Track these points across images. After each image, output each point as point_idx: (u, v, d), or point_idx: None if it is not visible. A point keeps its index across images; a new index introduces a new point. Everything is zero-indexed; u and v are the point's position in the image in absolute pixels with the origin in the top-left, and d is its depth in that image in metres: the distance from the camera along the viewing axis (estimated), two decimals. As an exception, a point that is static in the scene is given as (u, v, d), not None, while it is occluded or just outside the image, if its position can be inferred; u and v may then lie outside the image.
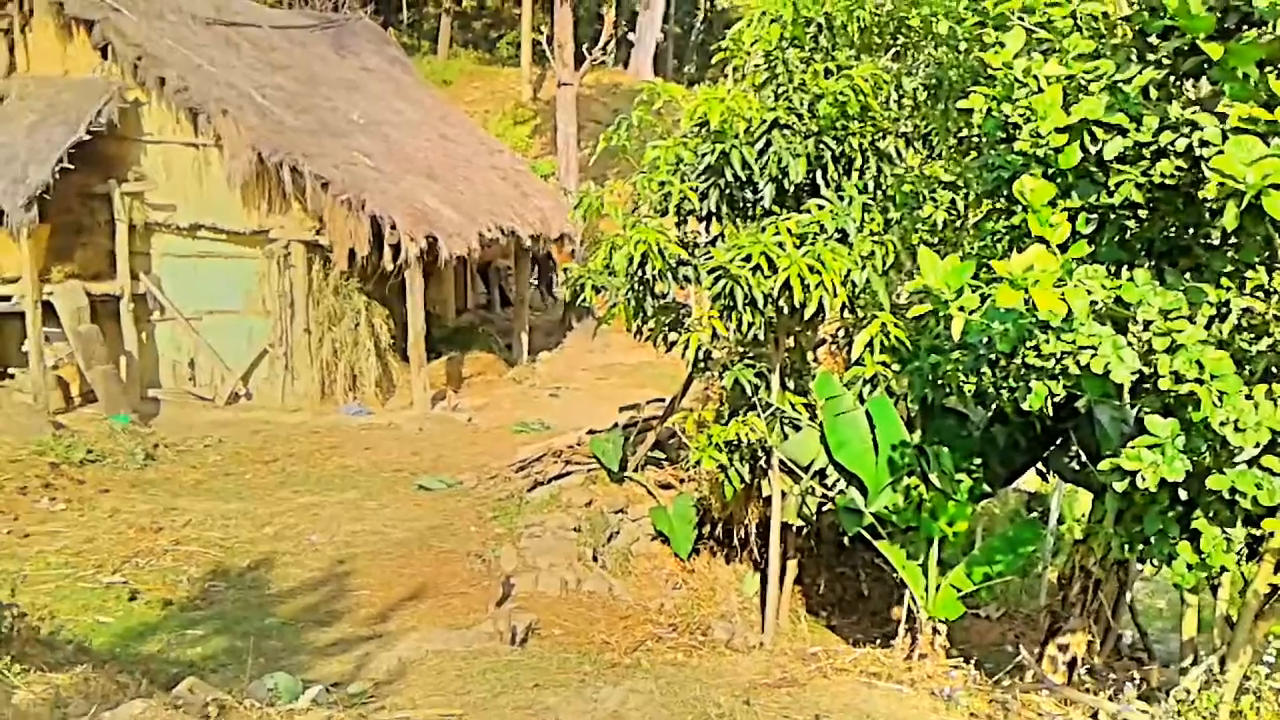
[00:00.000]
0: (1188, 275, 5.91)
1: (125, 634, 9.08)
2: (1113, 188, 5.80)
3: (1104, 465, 5.42)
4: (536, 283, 24.51)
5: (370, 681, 7.46)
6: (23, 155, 15.77)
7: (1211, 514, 5.98)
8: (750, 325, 8.58)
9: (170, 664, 8.07)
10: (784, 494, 9.55)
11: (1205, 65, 5.28)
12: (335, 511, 12.58)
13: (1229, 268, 5.73)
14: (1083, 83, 5.74)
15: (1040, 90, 5.76)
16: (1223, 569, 5.83)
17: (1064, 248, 5.28)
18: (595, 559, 10.92)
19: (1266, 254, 5.53)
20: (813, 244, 8.33)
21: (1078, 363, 5.32)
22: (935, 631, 8.29)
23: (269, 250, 17.32)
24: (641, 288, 9.38)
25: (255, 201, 17.13)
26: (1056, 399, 5.89)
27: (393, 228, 16.47)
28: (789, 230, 8.44)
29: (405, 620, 9.55)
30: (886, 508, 8.34)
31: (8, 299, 15.99)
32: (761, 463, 9.57)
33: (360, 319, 17.68)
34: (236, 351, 17.76)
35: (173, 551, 11.05)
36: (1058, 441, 8.06)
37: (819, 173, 8.92)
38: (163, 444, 14.99)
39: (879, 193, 8.91)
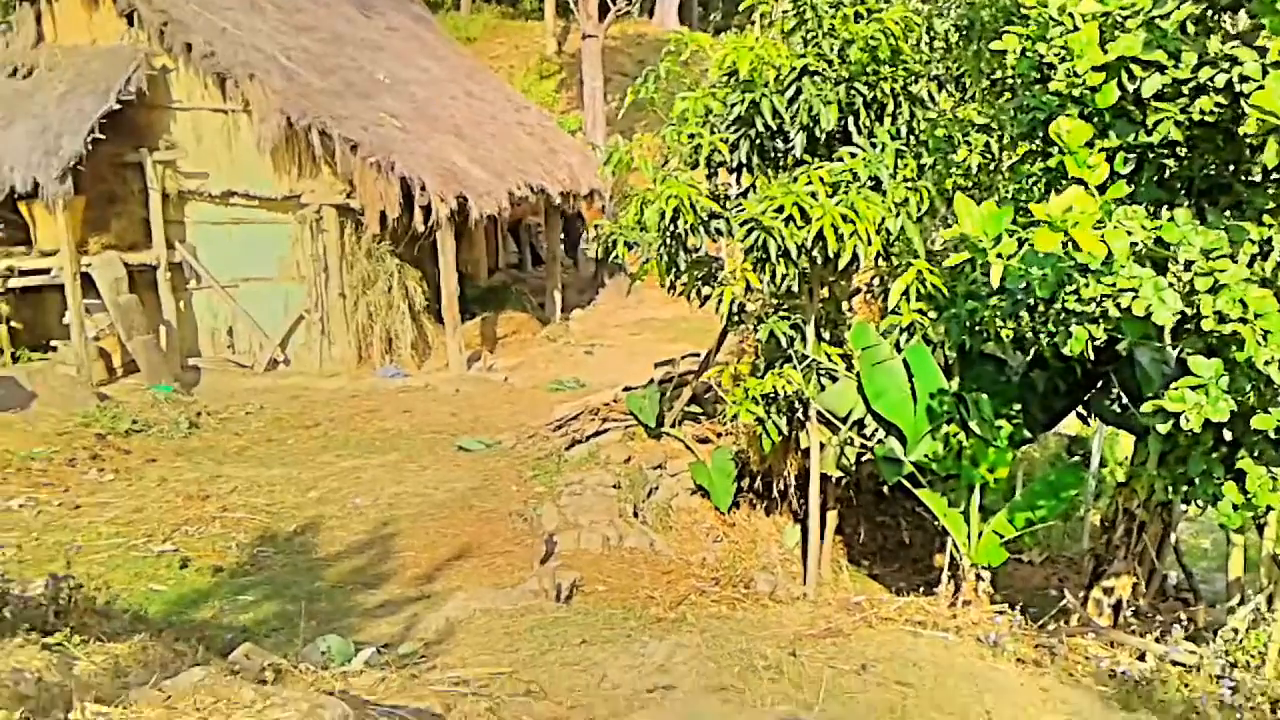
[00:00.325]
0: (1228, 213, 5.85)
1: (179, 601, 9.30)
2: (1151, 126, 5.74)
3: (1146, 407, 5.41)
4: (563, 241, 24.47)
5: (420, 642, 7.60)
6: (55, 126, 15.93)
7: (1257, 453, 5.97)
8: (784, 277, 8.56)
9: (224, 629, 8.25)
10: (822, 445, 9.57)
11: (1245, -2, 5.19)
12: (377, 474, 12.76)
13: (1271, 204, 5.66)
14: (1119, 19, 5.65)
15: (1076, 28, 5.69)
16: (1269, 508, 5.83)
17: (1102, 189, 5.24)
18: (636, 515, 11.02)
19: (1310, 189, 5.46)
20: (845, 193, 8.29)
21: (1118, 305, 5.30)
22: (979, 578, 8.32)
23: (301, 215, 17.44)
24: (674, 242, 9.38)
25: (285, 166, 17.24)
26: (1097, 342, 5.87)
27: (423, 189, 16.53)
28: (821, 179, 8.39)
29: (451, 580, 9.69)
30: (926, 456, 8.36)
31: (47, 271, 16.22)
32: (799, 415, 9.59)
33: (394, 281, 17.79)
34: (273, 318, 17.97)
35: (221, 518, 11.27)
36: (1098, 385, 8.04)
37: (850, 120, 8.85)
38: (205, 412, 15.23)
39: (912, 138, 8.84)
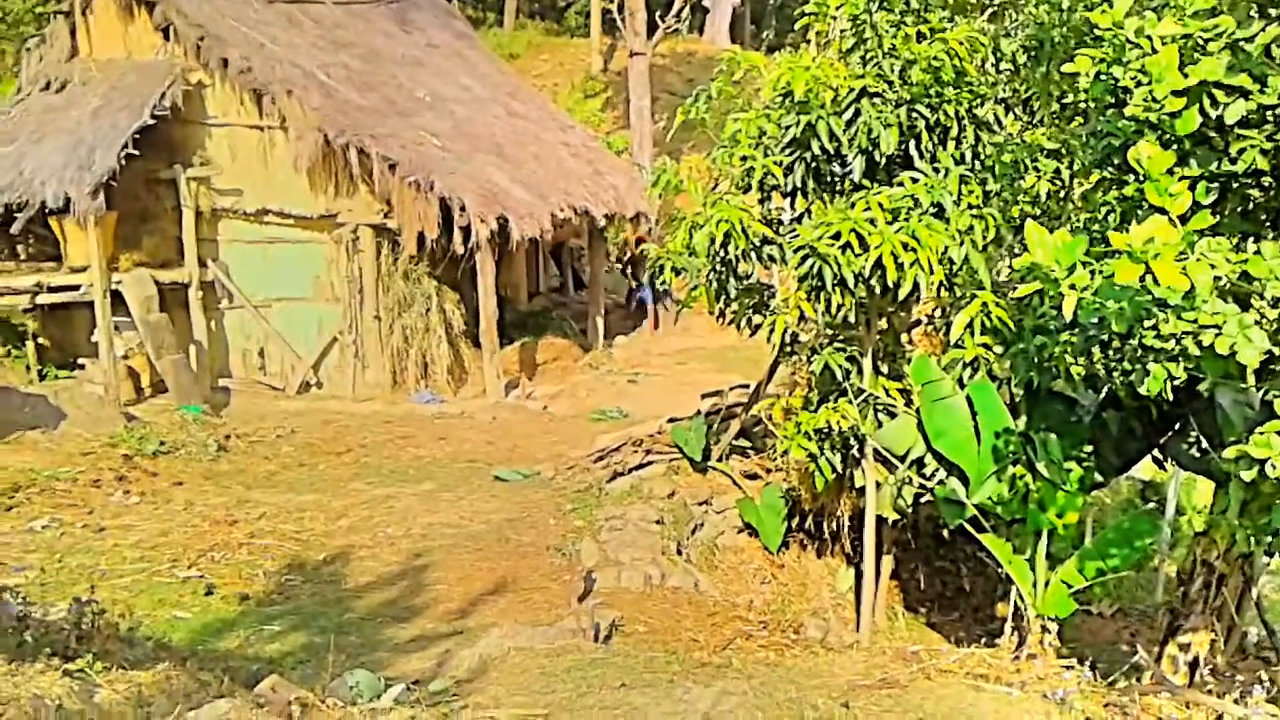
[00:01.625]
0: (1320, 247, 5.73)
1: (203, 630, 9.38)
2: (1235, 154, 5.66)
3: (1229, 453, 5.30)
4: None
5: (451, 679, 7.60)
6: (88, 141, 16.28)
7: (1348, 505, 5.82)
8: (840, 307, 8.52)
9: (249, 660, 8.32)
10: (878, 484, 9.49)
11: (1337, 20, 5.12)
12: (410, 503, 12.82)
13: (1366, 238, 5.55)
14: (1200, 42, 5.59)
15: (1154, 51, 5.63)
16: (1360, 564, 5.68)
17: (1184, 219, 5.17)
18: (679, 553, 10.97)
19: None
20: (906, 219, 8.24)
21: (1199, 343, 5.21)
22: (1044, 630, 8.18)
23: (337, 235, 17.67)
24: (724, 268, 9.38)
25: (322, 185, 17.49)
26: (1176, 382, 5.77)
27: (462, 209, 16.69)
28: (880, 205, 8.35)
29: (485, 616, 9.70)
30: (990, 499, 8.27)
31: (76, 288, 16.53)
32: (854, 451, 9.52)
33: (431, 304, 17.96)
34: (306, 339, 18.18)
35: (248, 545, 11.37)
36: (1176, 427, 7.91)
37: (912, 143, 8.82)
38: (235, 435, 15.41)
39: (977, 163, 8.78)
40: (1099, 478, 8.22)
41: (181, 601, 10.01)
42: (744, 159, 9.22)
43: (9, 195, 16.17)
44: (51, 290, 16.58)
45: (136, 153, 16.17)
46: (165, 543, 11.39)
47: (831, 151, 8.87)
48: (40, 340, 17.02)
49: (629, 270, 23.92)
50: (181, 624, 9.49)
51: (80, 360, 17.14)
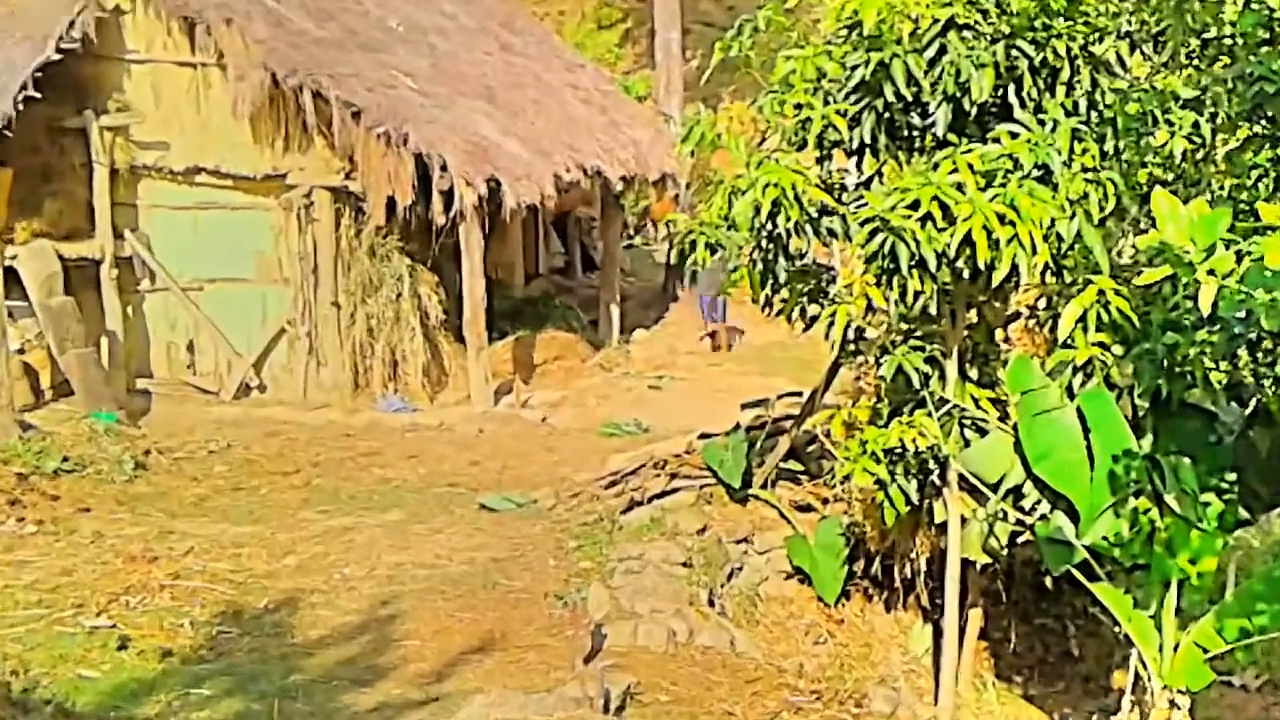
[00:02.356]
0: None
1: (115, 693, 9.40)
2: None
3: None
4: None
5: (424, 759, 7.63)
6: (-23, 81, 16.37)
7: None
8: (918, 294, 8.51)
9: (172, 732, 8.36)
10: (964, 520, 9.47)
11: None
12: (374, 537, 12.84)
13: None
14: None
15: (1321, -27, 5.61)
16: None
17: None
18: (711, 603, 10.96)
19: None
20: (1003, 185, 8.22)
21: (1374, 345, 5.19)
22: (1173, 705, 8.16)
23: (286, 200, 17.69)
24: (771, 245, 9.37)
25: (268, 137, 17.52)
26: (1344, 393, 5.75)
27: (443, 169, 16.70)
28: (971, 167, 8.34)
29: (466, 680, 9.71)
30: (1105, 539, 8.25)
31: (-40, 265, 16.63)
32: (934, 478, 9.50)
33: (403, 288, 17.96)
34: (247, 331, 18.23)
35: (171, 588, 11.39)
36: (1344, 450, 7.87)
37: (1011, 89, 8.79)
38: (156, 449, 15.45)
39: (1094, 114, 8.76)
40: (1244, 514, 8.18)
41: (88, 658, 10.03)
42: (798, 107, 9.21)
43: (-122, 147, 16.28)
44: (-71, 266, 16.70)
45: (37, 95, 16.18)
46: (68, 584, 11.42)
47: (909, 99, 8.85)
48: (-86, 329, 17.15)
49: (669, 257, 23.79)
50: (88, 685, 9.51)
51: (-35, 354, 17.25)
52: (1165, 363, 7.67)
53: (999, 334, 10.01)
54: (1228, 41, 7.82)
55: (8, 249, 16.64)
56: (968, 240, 8.06)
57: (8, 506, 13.10)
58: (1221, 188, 8.19)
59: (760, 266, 9.53)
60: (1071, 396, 8.47)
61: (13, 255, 16.64)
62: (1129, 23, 8.97)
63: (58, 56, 16.44)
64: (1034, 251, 8.10)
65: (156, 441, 15.80)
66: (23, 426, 15.30)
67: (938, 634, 10.39)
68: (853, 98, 9.09)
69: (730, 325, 21.69)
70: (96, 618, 10.71)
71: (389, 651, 10.32)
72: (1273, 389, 6.27)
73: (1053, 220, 8.16)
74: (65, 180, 17.82)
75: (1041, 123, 8.63)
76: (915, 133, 9.18)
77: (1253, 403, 7.92)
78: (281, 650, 10.33)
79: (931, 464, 9.39)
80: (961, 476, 9.29)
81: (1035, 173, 8.35)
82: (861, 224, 8.46)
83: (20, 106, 16.07)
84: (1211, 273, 5.14)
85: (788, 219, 8.96)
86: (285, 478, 14.99)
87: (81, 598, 11.08)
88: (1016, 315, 10.31)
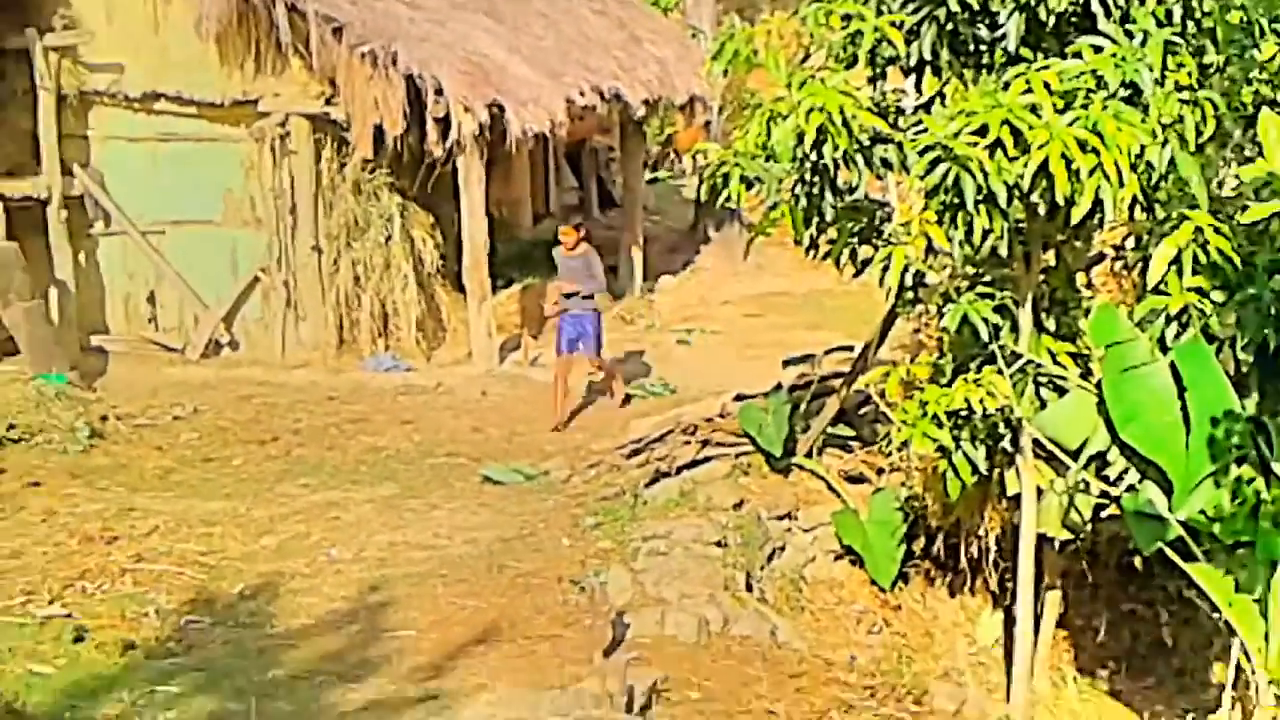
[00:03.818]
0: None
1: (71, 690, 9.48)
2: None
3: None
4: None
5: (423, 765, 7.70)
6: (-95, -4, 16.40)
7: None
8: (987, 233, 8.49)
9: (137, 734, 8.44)
10: (1040, 491, 9.47)
11: None
12: (363, 515, 12.90)
13: None
14: None
15: None
16: None
17: None
18: (749, 588, 11.01)
19: None
20: (1085, 107, 8.19)
21: None
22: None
23: (258, 129, 17.66)
24: (816, 179, 9.34)
25: (237, 57, 17.49)
26: None
27: (438, 93, 16.66)
28: (1047, 86, 8.30)
29: (470, 675, 9.75)
30: (1203, 512, 8.26)
31: (-111, 207, 16.72)
32: (1005, 444, 9.51)
33: (393, 230, 17.96)
34: (216, 280, 18.27)
35: (134, 572, 11.47)
36: None
37: (1094, -6, 8.76)
38: (114, 415, 15.54)
39: (1190, 25, 8.70)
40: (1364, 484, 8.17)
41: (40, 651, 10.11)
42: (847, 19, 9.19)
43: None
44: None
45: (-28, 11, 16.27)
46: (17, 567, 11.51)
47: (976, 7, 8.81)
48: None
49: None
50: (41, 682, 9.59)
51: (-105, 308, 17.34)
52: (1273, 310, 7.63)
53: (1080, 279, 9.98)
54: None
55: (-58, 189, 16.73)
56: (1044, 170, 8.04)
57: (-53, 482, 13.24)
58: (1339, 109, 8.14)
59: (804, 203, 9.50)
60: (1164, 350, 8.46)
61: (-52, 196, 16.73)
62: (1232, -86, 8.90)
63: (-5, -35, 16.47)
64: (1121, 183, 8.07)
65: (114, 406, 15.88)
66: (-38, 390, 15.41)
67: (1009, 622, 10.41)
68: (910, 6, 9.06)
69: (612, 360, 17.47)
70: (49, 606, 10.79)
71: (381, 643, 10.38)
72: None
73: (1142, 147, 8.13)
74: (6, 110, 17.89)
75: (1129, 35, 8.59)
76: (983, 47, 9.14)
77: (1375, 357, 7.90)
78: (259, 642, 10.39)
79: (1002, 428, 9.41)
80: (1037, 442, 9.29)
81: (1122, 92, 8.32)
82: (921, 153, 8.44)
83: (-46, 25, 16.11)
84: (1327, 206, 5.13)
85: (835, 148, 8.92)
86: (261, 447, 15.05)
87: (32, 584, 11.16)
88: (1101, 257, 10.28)
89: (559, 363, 15.63)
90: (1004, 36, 8.87)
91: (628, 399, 16.19)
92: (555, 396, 15.45)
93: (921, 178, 8.47)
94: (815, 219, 9.61)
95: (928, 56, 9.13)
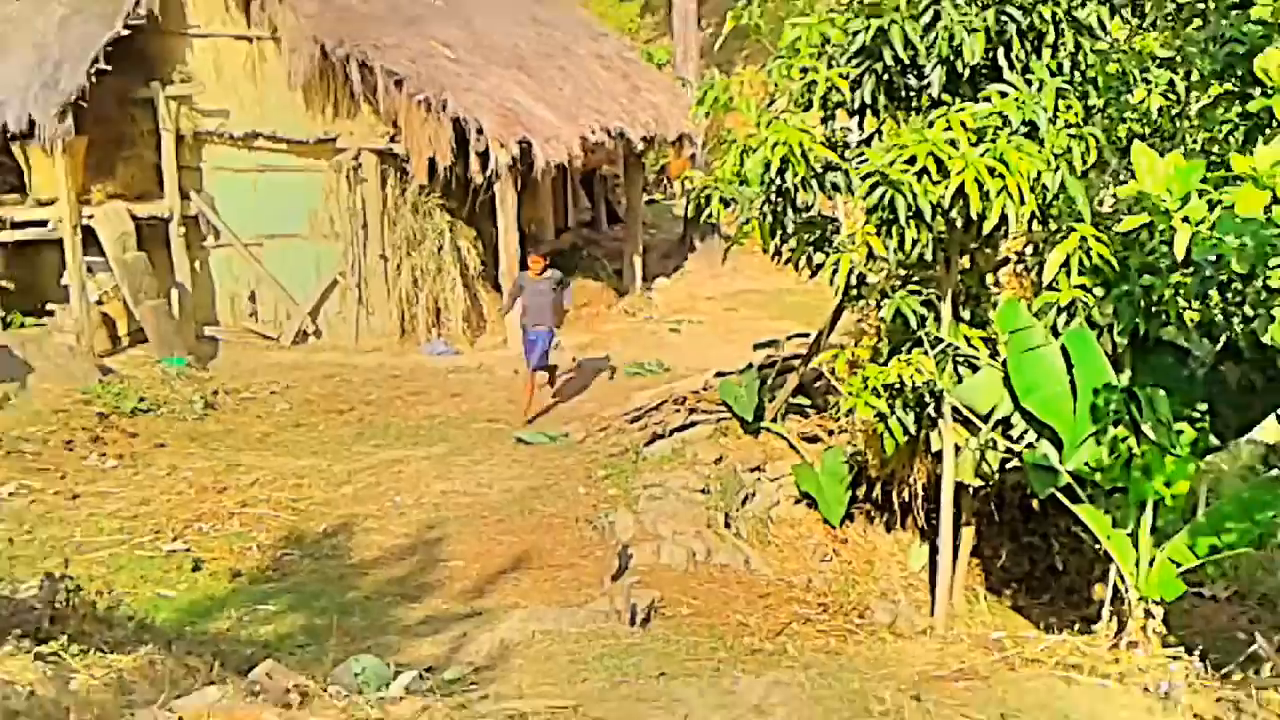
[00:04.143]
0: None
1: (190, 609, 9.56)
2: (1383, 63, 5.54)
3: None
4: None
5: (468, 666, 7.71)
6: (54, 55, 16.38)
7: None
8: (915, 242, 8.46)
9: (242, 644, 8.45)
10: (957, 448, 9.47)
11: None
12: (421, 469, 12.95)
13: None
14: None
15: (1289, -61, 5.52)
16: None
17: (1319, 140, 5.08)
18: (727, 525, 11.03)
19: None
20: (993, 140, 8.16)
21: (1335, 285, 5.15)
22: (1148, 615, 8.19)
23: (336, 162, 17.73)
24: (780, 199, 9.32)
25: (319, 104, 17.55)
26: (1306, 330, 5.72)
27: (479, 132, 16.66)
28: (963, 124, 8.26)
29: (506, 595, 9.82)
30: (1087, 464, 8.25)
31: (43, 224, 16.66)
32: (930, 410, 9.49)
33: (444, 242, 18.02)
34: (302, 282, 18.32)
35: (239, 515, 11.54)
36: (1306, 382, 7.82)
37: (1000, 51, 8.69)
38: (223, 390, 15.61)
39: (1077, 75, 8.68)
40: (1214, 440, 8.16)
41: (166, 578, 10.19)
42: (804, 71, 9.15)
43: (-35, 118, 16.29)
44: (15, 226, 16.73)
45: (108, 68, 16.21)
46: (146, 512, 11.58)
47: (906, 62, 8.77)
48: (3, 283, 17.21)
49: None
50: (166, 603, 9.67)
51: (49, 306, 17.30)
52: (1142, 303, 7.63)
53: (989, 278, 9.96)
54: (1200, 5, 7.71)
55: (85, 210, 16.73)
56: (961, 192, 8.01)
57: (90, 443, 13.28)
58: (1195, 141, 8.10)
59: (770, 219, 9.49)
60: (1056, 335, 8.45)
61: (90, 216, 16.74)
62: (1109, -12, 8.85)
63: (126, 32, 16.48)
64: (1022, 202, 8.04)
65: (223, 383, 15.97)
66: (102, 371, 15.45)
67: (934, 552, 10.42)
68: (854, 61, 9.00)
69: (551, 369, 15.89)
70: (173, 542, 10.89)
71: (435, 570, 10.45)
72: (1241, 326, 6.23)
73: (1039, 173, 8.09)
74: (136, 146, 17.89)
75: (1029, 83, 8.54)
76: (912, 93, 9.08)
77: (1223, 339, 7.87)
78: (339, 570, 10.47)
79: (928, 398, 9.38)
80: (955, 409, 9.27)
81: (1023, 129, 8.28)
82: (863, 178, 8.41)
83: (94, 79, 16.13)
84: (1186, 220, 5.11)
85: (795, 174, 8.93)
86: (340, 415, 15.12)
87: (159, 525, 11.26)
88: (1005, 261, 10.24)
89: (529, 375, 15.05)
90: (929, 85, 8.83)
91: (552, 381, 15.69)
92: (528, 396, 15.01)
93: (864, 198, 8.43)
94: (779, 231, 9.58)
95: (868, 101, 9.08)
